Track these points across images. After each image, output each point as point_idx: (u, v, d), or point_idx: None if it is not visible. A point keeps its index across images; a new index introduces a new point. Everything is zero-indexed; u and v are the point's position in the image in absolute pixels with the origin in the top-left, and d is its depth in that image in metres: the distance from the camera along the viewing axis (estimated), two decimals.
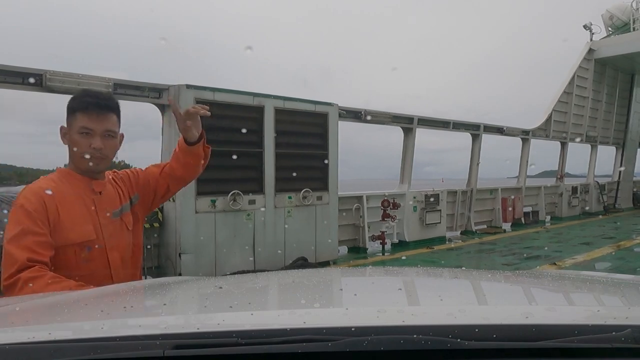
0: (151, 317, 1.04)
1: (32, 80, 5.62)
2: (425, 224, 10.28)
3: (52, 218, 1.73)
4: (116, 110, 1.90)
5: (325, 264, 7.62)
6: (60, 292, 1.51)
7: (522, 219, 13.73)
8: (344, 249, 9.15)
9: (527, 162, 14.14)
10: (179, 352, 0.75)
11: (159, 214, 6.61)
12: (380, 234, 9.48)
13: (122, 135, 1.96)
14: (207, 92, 6.50)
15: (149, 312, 1.16)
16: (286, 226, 7.28)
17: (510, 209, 13.11)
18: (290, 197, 7.40)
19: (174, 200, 6.37)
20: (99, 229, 1.83)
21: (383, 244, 9.50)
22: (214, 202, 6.59)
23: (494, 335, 0.77)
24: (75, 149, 1.82)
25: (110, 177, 2.00)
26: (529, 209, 14.44)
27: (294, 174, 7.20)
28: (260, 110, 6.94)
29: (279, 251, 7.15)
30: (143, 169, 2.15)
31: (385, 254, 9.33)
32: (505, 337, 0.77)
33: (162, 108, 6.59)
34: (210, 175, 6.04)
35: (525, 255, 9.17)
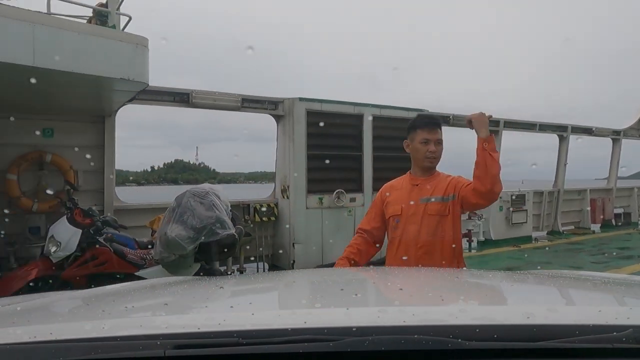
0: (152, 317, 1.04)
1: (182, 98, 6.76)
2: (512, 223, 10.51)
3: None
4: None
5: None
6: (60, 292, 1.51)
7: (613, 221, 13.30)
8: None
9: (618, 163, 13.61)
10: (179, 352, 0.75)
11: (275, 209, 7.58)
12: (466, 231, 9.80)
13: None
14: (316, 103, 7.42)
15: (149, 312, 1.16)
16: None
17: (599, 210, 12.77)
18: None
19: (288, 198, 7.39)
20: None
21: (469, 241, 9.88)
22: (321, 199, 7.49)
23: (495, 336, 0.77)
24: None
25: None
26: (620, 211, 14.00)
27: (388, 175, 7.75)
28: (359, 118, 7.76)
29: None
30: None
31: (472, 250, 9.70)
32: (506, 337, 0.77)
33: (277, 118, 7.59)
34: (318, 176, 7.28)
35: (615, 254, 9.06)
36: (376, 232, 2.68)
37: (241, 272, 7.10)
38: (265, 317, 0.97)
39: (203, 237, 4.09)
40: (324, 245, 7.41)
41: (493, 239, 10.22)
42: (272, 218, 7.59)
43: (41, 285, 4.21)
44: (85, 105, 5.70)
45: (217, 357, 0.74)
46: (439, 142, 2.58)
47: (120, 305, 1.21)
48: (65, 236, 4.39)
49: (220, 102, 7.09)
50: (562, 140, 12.12)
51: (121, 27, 4.80)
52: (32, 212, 5.75)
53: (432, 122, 2.60)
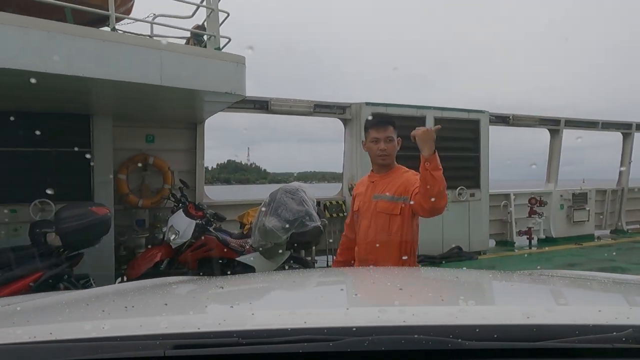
0: (152, 317, 1.03)
1: (262, 105, 7.43)
2: (573, 222, 10.46)
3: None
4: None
5: (477, 253, 8.62)
6: (61, 292, 1.51)
7: None
8: (492, 242, 9.82)
9: None
10: (179, 352, 0.75)
11: (343, 206, 8.09)
12: (527, 229, 9.92)
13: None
14: (381, 107, 7.92)
15: (149, 312, 1.15)
16: (443, 218, 8.31)
17: None
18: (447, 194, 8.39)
19: None
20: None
21: (530, 239, 9.92)
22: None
23: (495, 336, 0.77)
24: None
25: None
26: None
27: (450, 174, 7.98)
28: (422, 120, 8.12)
29: (438, 239, 8.33)
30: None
31: (532, 247, 9.79)
32: (506, 337, 0.77)
33: (345, 122, 8.16)
34: None
35: None
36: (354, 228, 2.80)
37: (314, 264, 7.42)
38: (265, 317, 0.97)
39: (294, 228, 4.72)
40: None
41: (554, 236, 10.26)
42: (341, 214, 8.04)
43: (163, 266, 5.17)
44: (182, 114, 6.64)
45: (217, 357, 0.74)
46: (390, 140, 2.67)
47: (120, 305, 1.21)
48: (182, 226, 5.21)
49: (295, 108, 7.72)
50: (627, 137, 11.91)
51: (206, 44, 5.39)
52: (138, 207, 6.64)
53: (380, 121, 2.72)
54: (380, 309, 0.93)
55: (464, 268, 1.96)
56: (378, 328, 0.80)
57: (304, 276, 1.74)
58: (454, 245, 8.40)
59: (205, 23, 5.25)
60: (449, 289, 1.41)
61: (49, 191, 5.09)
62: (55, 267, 4.12)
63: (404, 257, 2.53)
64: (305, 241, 5.04)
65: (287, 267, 5.31)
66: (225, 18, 5.19)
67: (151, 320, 0.96)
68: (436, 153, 2.30)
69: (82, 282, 4.48)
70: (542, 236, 10.18)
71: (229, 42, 5.25)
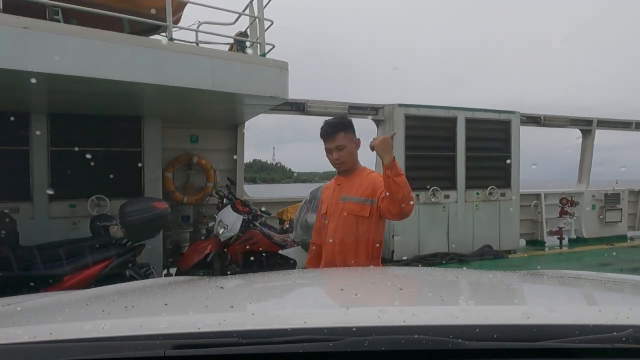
0: (152, 317, 1.03)
1: (298, 107, 7.77)
2: (605, 222, 10.46)
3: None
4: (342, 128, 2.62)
5: (507, 252, 8.69)
6: (61, 292, 1.51)
7: None
8: (522, 242, 9.83)
9: None
10: (179, 352, 0.75)
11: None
12: (558, 229, 9.96)
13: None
14: (413, 108, 8.17)
15: (149, 312, 1.15)
16: (474, 217, 8.74)
17: None
18: (478, 193, 8.77)
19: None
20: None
21: (561, 238, 9.93)
22: (417, 196, 8.03)
23: (495, 336, 0.77)
24: None
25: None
26: None
27: (481, 174, 8.76)
28: (453, 120, 8.41)
29: (469, 238, 8.60)
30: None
31: (563, 247, 9.79)
32: (506, 337, 0.77)
33: (377, 122, 8.41)
34: (414, 174, 7.65)
35: None
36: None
37: None
38: (265, 317, 0.97)
39: None
40: (420, 237, 8.20)
41: (585, 237, 10.27)
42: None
43: (210, 258, 5.57)
44: (225, 116, 7.10)
45: (217, 357, 0.74)
46: (340, 148, 2.62)
47: (120, 305, 1.21)
48: (230, 221, 5.62)
49: (330, 110, 7.95)
50: None
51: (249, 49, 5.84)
52: (183, 204, 7.07)
53: (328, 131, 2.65)
54: (380, 309, 0.93)
55: (464, 268, 1.97)
56: (378, 328, 0.80)
57: (304, 276, 1.74)
58: (484, 244, 8.58)
59: (248, 30, 5.70)
60: (449, 289, 1.40)
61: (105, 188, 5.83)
62: (121, 257, 4.58)
63: (376, 259, 2.57)
64: None
65: None
66: (270, 26, 5.53)
67: (151, 320, 0.96)
68: (395, 160, 2.36)
69: (144, 270, 4.95)
70: (573, 236, 10.19)
71: (272, 48, 5.59)
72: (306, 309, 1.01)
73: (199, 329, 0.83)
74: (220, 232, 5.58)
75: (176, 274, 5.79)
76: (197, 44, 5.58)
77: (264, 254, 5.64)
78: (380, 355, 0.74)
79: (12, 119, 4.99)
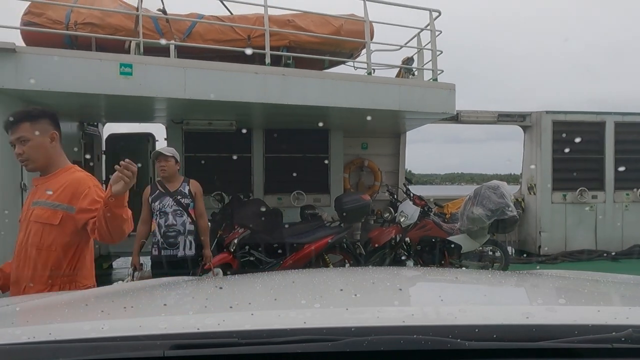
0: (151, 317, 1.03)
1: (453, 117, 8.26)
2: None
3: None
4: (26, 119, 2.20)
5: None
6: (61, 292, 1.51)
7: None
8: None
9: None
10: (179, 352, 0.75)
11: (522, 203, 9.10)
12: None
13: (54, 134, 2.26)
14: (561, 115, 8.85)
15: (149, 312, 1.15)
16: (623, 217, 9.15)
17: None
18: (627, 194, 9.19)
19: (534, 194, 9.04)
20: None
21: None
22: (564, 195, 8.90)
23: (494, 336, 0.77)
24: None
25: None
26: None
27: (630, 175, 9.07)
28: (602, 125, 8.95)
29: (618, 237, 9.03)
30: None
31: None
32: (505, 337, 0.77)
33: (524, 129, 9.24)
34: (562, 176, 8.76)
35: None
36: None
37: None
38: (265, 317, 0.96)
39: (496, 216, 6.24)
40: (566, 234, 8.86)
41: None
42: (519, 210, 8.50)
43: (394, 241, 6.68)
44: (391, 128, 8.67)
45: (216, 357, 0.74)
46: (23, 141, 2.17)
47: (120, 305, 1.21)
48: (410, 211, 6.76)
49: (482, 118, 8.87)
50: None
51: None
52: None
53: (13, 121, 2.20)
54: (379, 309, 0.93)
55: (464, 268, 1.97)
56: (377, 328, 0.80)
57: (303, 276, 1.74)
58: (634, 244, 8.80)
59: (415, 56, 7.00)
60: (448, 289, 1.40)
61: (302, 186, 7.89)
62: (339, 234, 6.03)
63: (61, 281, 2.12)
64: (505, 226, 6.51)
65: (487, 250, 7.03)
66: (439, 54, 6.62)
67: (151, 320, 0.96)
68: (126, 194, 2.02)
69: (354, 247, 6.46)
70: None
71: (441, 72, 6.72)
72: (306, 309, 1.00)
73: (198, 329, 0.83)
74: (402, 220, 6.72)
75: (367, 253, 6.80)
76: (374, 70, 6.87)
77: (434, 239, 6.68)
78: (379, 356, 0.74)
79: (243, 131, 7.12)
